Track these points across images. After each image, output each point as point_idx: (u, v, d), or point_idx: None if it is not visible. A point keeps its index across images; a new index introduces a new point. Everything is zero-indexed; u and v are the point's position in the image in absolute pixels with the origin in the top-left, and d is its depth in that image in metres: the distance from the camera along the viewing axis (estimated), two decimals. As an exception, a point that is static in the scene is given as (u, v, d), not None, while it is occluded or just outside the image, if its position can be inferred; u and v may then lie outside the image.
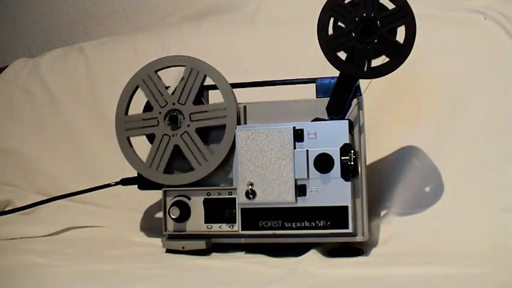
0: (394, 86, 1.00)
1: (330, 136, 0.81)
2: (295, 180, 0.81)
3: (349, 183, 0.80)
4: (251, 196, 0.82)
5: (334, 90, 0.83)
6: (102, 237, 0.99)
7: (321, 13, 0.83)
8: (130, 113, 0.92)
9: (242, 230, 0.83)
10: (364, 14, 0.81)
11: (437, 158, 0.95)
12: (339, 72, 0.83)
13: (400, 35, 0.82)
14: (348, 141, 0.80)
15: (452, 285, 0.63)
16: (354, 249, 0.83)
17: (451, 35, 1.05)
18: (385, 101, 1.02)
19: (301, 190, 0.81)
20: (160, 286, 0.67)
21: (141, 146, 0.92)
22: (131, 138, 0.91)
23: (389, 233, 0.89)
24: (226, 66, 0.91)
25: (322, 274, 0.70)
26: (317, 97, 0.86)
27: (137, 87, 0.90)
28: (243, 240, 0.85)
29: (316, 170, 0.80)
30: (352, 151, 0.80)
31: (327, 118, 0.83)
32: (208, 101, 0.90)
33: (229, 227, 0.85)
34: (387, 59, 0.81)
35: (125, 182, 0.96)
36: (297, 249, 0.82)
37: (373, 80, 0.83)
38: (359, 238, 0.82)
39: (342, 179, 0.80)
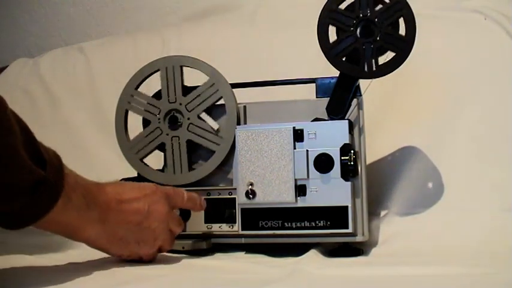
0: (394, 85, 1.00)
1: (329, 136, 0.81)
2: (295, 180, 0.81)
3: (349, 183, 0.80)
4: (251, 196, 0.82)
5: (334, 90, 0.83)
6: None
7: (318, 23, 0.83)
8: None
9: (242, 230, 0.83)
10: (361, 15, 0.81)
11: (437, 158, 0.95)
12: (338, 72, 0.83)
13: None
14: (347, 141, 0.80)
15: (453, 285, 0.63)
16: (354, 249, 0.83)
17: (451, 35, 1.05)
18: (385, 101, 1.02)
19: (301, 190, 0.81)
20: (160, 286, 0.67)
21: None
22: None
23: (389, 233, 0.89)
24: (226, 66, 0.91)
25: (322, 274, 0.70)
26: (317, 97, 0.86)
27: (127, 111, 0.91)
28: (243, 240, 0.85)
29: (316, 170, 0.80)
30: (352, 151, 0.80)
31: (327, 118, 0.83)
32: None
33: (229, 227, 0.85)
34: (390, 57, 0.81)
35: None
36: (297, 249, 0.82)
37: (373, 79, 0.83)
38: (359, 238, 0.82)
39: (341, 179, 0.80)
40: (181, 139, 0.87)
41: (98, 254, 0.82)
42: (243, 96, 0.89)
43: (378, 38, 0.81)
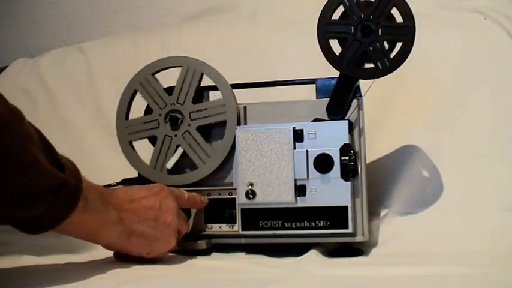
0: (394, 86, 1.00)
1: (329, 136, 0.81)
2: (295, 180, 0.81)
3: (348, 183, 0.80)
4: (251, 196, 0.82)
5: (334, 90, 0.83)
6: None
7: (318, 38, 0.83)
8: (132, 116, 0.91)
9: (242, 230, 0.83)
10: (356, 18, 0.81)
11: (437, 157, 0.95)
12: (337, 71, 0.83)
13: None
14: (347, 142, 0.80)
15: (453, 285, 0.63)
16: (354, 249, 0.83)
17: (451, 35, 1.05)
18: (385, 101, 1.02)
19: (300, 190, 0.81)
20: (161, 286, 0.67)
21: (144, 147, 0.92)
22: (134, 143, 0.91)
23: (389, 233, 0.89)
24: (226, 66, 0.91)
25: (322, 274, 0.70)
26: (317, 98, 0.86)
27: (136, 92, 0.90)
28: (243, 241, 0.85)
29: (315, 170, 0.80)
30: (352, 151, 0.80)
31: (327, 118, 0.83)
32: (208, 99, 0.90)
33: (230, 227, 0.85)
34: (398, 48, 0.81)
35: (126, 182, 0.95)
36: (297, 250, 0.82)
37: (375, 79, 0.83)
38: (359, 238, 0.82)
39: (341, 179, 0.80)
40: (192, 130, 0.87)
41: (98, 255, 0.82)
42: (243, 96, 0.89)
43: (380, 34, 0.81)
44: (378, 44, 0.81)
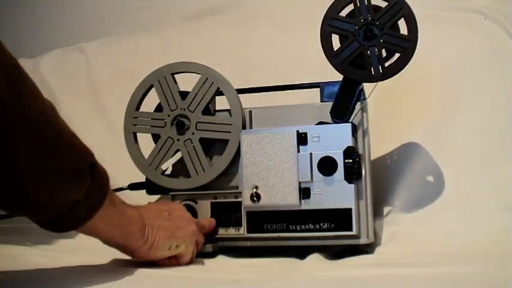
0: (394, 86, 1.00)
1: (333, 139, 0.81)
2: (299, 183, 0.81)
3: (352, 185, 0.80)
4: (256, 199, 0.82)
5: (337, 94, 0.84)
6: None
7: (320, 32, 0.83)
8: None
9: (248, 233, 0.84)
10: (362, 20, 0.82)
11: (438, 158, 0.96)
12: (339, 73, 0.83)
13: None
14: (351, 144, 0.81)
15: (453, 284, 0.63)
16: (358, 249, 0.84)
17: (451, 35, 1.05)
18: (385, 101, 1.02)
19: (305, 193, 0.81)
20: (161, 286, 0.68)
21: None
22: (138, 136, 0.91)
23: (391, 233, 0.89)
24: (226, 66, 0.91)
25: (323, 275, 0.70)
26: (321, 101, 0.87)
27: (151, 86, 0.90)
28: (248, 243, 0.85)
29: (319, 173, 0.81)
30: (356, 154, 0.81)
31: (331, 122, 0.84)
32: (215, 106, 0.90)
33: (235, 230, 0.85)
34: (394, 59, 0.81)
35: (133, 187, 0.96)
36: (301, 252, 0.82)
37: (379, 82, 0.83)
38: (363, 240, 0.82)
39: (345, 181, 0.80)
40: (194, 140, 0.88)
41: (102, 254, 0.82)
42: (246, 98, 0.89)
43: (381, 41, 0.81)
44: (376, 50, 0.81)
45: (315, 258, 0.79)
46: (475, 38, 1.03)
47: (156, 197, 0.94)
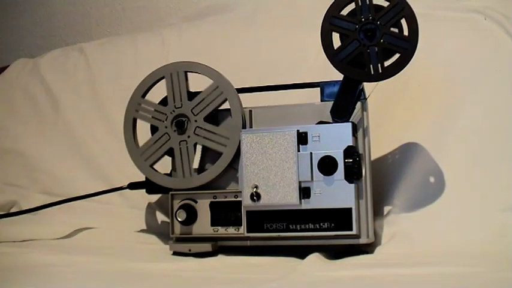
0: (395, 86, 1.00)
1: (333, 139, 0.81)
2: (299, 182, 0.81)
3: (352, 185, 0.81)
4: (256, 199, 0.82)
5: (338, 93, 0.83)
6: (109, 237, 1.00)
7: (321, 30, 0.83)
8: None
9: (247, 232, 0.84)
10: (363, 19, 0.82)
11: (437, 158, 0.95)
12: (339, 72, 0.83)
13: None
14: (351, 144, 0.81)
15: (453, 284, 0.64)
16: (359, 249, 0.84)
17: (451, 35, 1.05)
18: (385, 102, 1.02)
19: (305, 192, 0.81)
20: (161, 285, 0.68)
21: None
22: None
23: (391, 233, 0.89)
24: (225, 65, 0.91)
25: (322, 274, 0.71)
26: (322, 101, 0.87)
27: (162, 78, 0.90)
28: (248, 243, 0.85)
29: (320, 173, 0.81)
30: (356, 153, 0.81)
31: (331, 121, 0.84)
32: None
33: (235, 229, 0.85)
34: (394, 59, 0.81)
35: (133, 186, 0.96)
36: (301, 252, 0.82)
37: (379, 82, 0.83)
38: (363, 240, 0.82)
39: (345, 181, 0.80)
40: (189, 143, 0.88)
41: (104, 253, 0.83)
42: (245, 97, 0.89)
43: (382, 41, 0.81)
44: (376, 49, 0.81)
45: (315, 258, 0.79)
46: (475, 38, 1.03)
47: (156, 196, 0.95)
